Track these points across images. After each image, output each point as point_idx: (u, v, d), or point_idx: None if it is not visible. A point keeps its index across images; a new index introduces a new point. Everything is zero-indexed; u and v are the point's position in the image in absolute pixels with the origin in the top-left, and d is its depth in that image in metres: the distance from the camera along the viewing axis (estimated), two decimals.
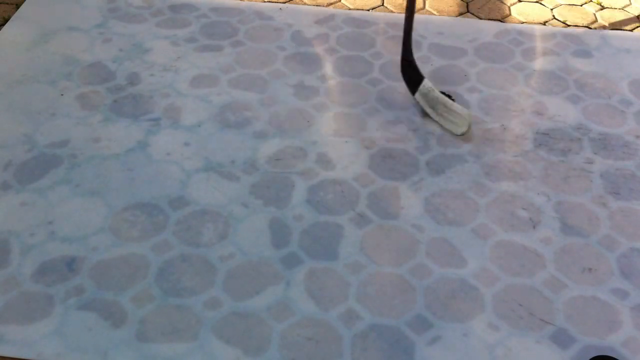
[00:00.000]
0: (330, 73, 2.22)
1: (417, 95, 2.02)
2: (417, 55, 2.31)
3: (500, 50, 2.34)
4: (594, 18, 2.55)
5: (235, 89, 2.14)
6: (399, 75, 2.22)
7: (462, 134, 1.94)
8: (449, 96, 2.01)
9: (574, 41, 2.40)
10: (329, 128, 2.00)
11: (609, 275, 1.62)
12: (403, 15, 2.51)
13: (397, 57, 2.29)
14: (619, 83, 2.21)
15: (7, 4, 2.54)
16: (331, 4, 2.58)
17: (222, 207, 1.75)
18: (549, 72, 2.25)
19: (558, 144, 1.98)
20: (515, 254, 1.66)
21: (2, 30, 2.38)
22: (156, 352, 1.43)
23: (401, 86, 2.17)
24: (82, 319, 1.49)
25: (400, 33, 2.41)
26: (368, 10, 2.55)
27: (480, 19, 2.52)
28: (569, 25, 2.51)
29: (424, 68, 2.25)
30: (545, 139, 1.99)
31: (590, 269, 1.63)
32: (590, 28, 2.49)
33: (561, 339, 1.48)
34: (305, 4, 2.57)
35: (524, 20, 2.52)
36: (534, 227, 1.73)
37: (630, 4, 2.64)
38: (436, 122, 1.99)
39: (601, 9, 2.61)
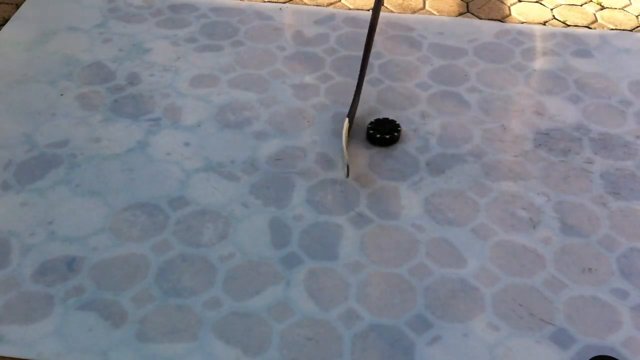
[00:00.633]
0: (330, 73, 2.22)
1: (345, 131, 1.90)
2: (417, 55, 2.31)
3: (500, 50, 2.34)
4: (594, 18, 2.55)
5: (235, 89, 2.14)
6: (399, 75, 2.22)
7: (346, 176, 1.82)
8: (396, 126, 1.94)
9: (574, 41, 2.40)
10: (329, 128, 2.00)
11: (609, 275, 1.62)
12: (403, 15, 2.51)
13: (397, 57, 2.30)
14: (619, 83, 2.21)
15: (7, 4, 2.54)
16: (331, 4, 2.58)
17: (222, 207, 1.75)
18: (549, 72, 2.25)
19: (558, 144, 1.98)
20: (515, 254, 1.66)
21: (2, 30, 2.38)
22: (156, 352, 1.43)
23: (401, 86, 2.17)
24: (82, 319, 1.49)
25: (401, 33, 2.41)
26: (368, 10, 2.55)
27: (480, 19, 2.52)
28: (569, 25, 2.51)
29: (424, 68, 2.25)
30: (545, 139, 1.99)
31: (590, 269, 1.63)
32: (590, 28, 2.49)
33: (561, 339, 1.48)
34: (305, 4, 2.57)
35: (524, 20, 2.52)
36: (534, 227, 1.73)
37: (630, 4, 2.64)
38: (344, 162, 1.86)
39: (601, 9, 2.61)
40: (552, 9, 2.60)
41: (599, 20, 2.54)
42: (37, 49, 2.28)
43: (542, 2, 2.64)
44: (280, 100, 2.10)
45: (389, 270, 1.61)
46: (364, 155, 1.91)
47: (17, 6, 2.51)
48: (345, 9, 2.55)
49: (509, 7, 2.60)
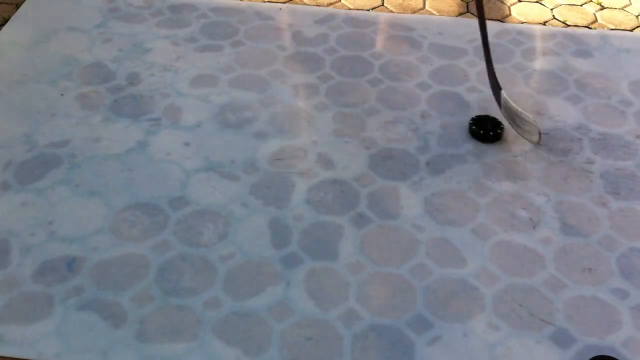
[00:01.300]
0: (330, 73, 2.22)
1: (501, 109, 1.97)
2: (417, 55, 2.31)
3: (500, 50, 2.34)
4: (594, 18, 2.55)
5: (235, 89, 2.14)
6: (399, 75, 2.22)
7: (538, 142, 1.92)
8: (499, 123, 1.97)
9: (574, 41, 2.40)
10: (329, 128, 2.00)
11: (609, 275, 1.62)
12: (403, 15, 2.51)
13: (397, 57, 2.30)
14: (619, 83, 2.21)
15: (7, 4, 2.54)
16: (331, 4, 2.58)
17: (222, 207, 1.75)
18: (549, 72, 2.25)
19: (558, 144, 1.98)
20: (515, 254, 1.66)
21: (2, 30, 2.38)
22: (156, 352, 1.43)
23: (401, 86, 2.17)
24: (82, 319, 1.49)
25: (401, 33, 2.41)
26: (368, 10, 2.55)
27: None
28: (569, 25, 2.51)
29: (423, 68, 2.25)
30: (545, 139, 1.99)
31: (590, 269, 1.63)
32: (590, 28, 2.49)
33: (561, 339, 1.48)
34: (305, 4, 2.57)
35: (524, 20, 2.52)
36: (534, 227, 1.73)
37: (630, 4, 2.64)
38: (518, 133, 1.94)
39: (601, 9, 2.61)
40: (552, 9, 2.59)
41: (599, 20, 2.54)
42: (37, 49, 2.28)
43: (542, 2, 2.64)
44: (280, 100, 2.10)
45: (389, 270, 1.61)
46: (364, 155, 1.91)
47: (17, 6, 2.51)
48: (345, 9, 2.55)
49: (509, 7, 2.60)
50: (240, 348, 1.44)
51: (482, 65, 2.27)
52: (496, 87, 1.97)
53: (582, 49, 2.36)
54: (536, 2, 2.64)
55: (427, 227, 1.72)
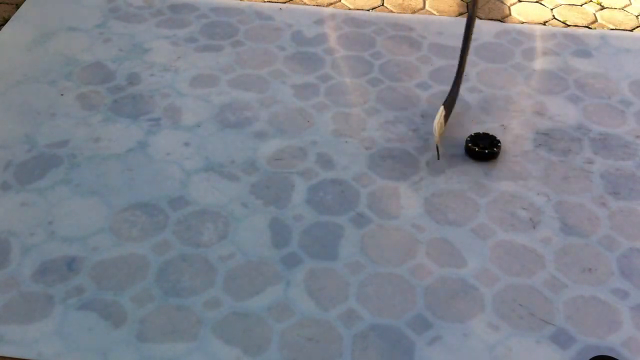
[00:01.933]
0: (330, 73, 2.22)
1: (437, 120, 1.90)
2: (417, 55, 2.31)
3: (500, 50, 2.34)
4: (594, 18, 2.55)
5: (235, 89, 2.14)
6: (399, 75, 2.22)
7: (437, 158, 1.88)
8: (495, 142, 1.92)
9: (574, 41, 2.40)
10: (329, 128, 2.00)
11: (609, 275, 1.62)
12: (403, 15, 2.51)
13: (397, 57, 2.30)
14: (619, 83, 2.21)
15: (7, 4, 2.54)
16: (331, 4, 2.58)
17: (222, 207, 1.75)
18: (549, 72, 2.25)
19: (558, 144, 1.98)
20: (515, 254, 1.66)
21: (2, 30, 2.38)
22: (156, 352, 1.43)
23: (401, 86, 2.17)
24: (82, 319, 1.49)
25: (401, 33, 2.41)
26: (368, 10, 2.55)
27: (481, 19, 2.52)
28: (569, 25, 2.51)
29: (424, 68, 2.25)
30: (545, 139, 1.99)
31: (590, 269, 1.63)
32: (590, 28, 2.49)
33: (561, 339, 1.48)
34: (305, 4, 2.57)
35: (524, 20, 2.52)
36: (534, 227, 1.73)
37: (630, 4, 2.64)
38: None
39: (601, 9, 2.61)
40: (552, 9, 2.59)
41: (599, 20, 2.54)
42: (37, 49, 2.28)
43: (542, 2, 2.63)
44: (280, 100, 2.10)
45: (389, 270, 1.61)
46: (364, 155, 1.91)
47: (17, 6, 2.51)
48: (345, 9, 2.55)
49: (509, 7, 2.60)
50: (240, 348, 1.44)
51: (483, 65, 2.27)
52: (454, 92, 1.95)
53: (582, 49, 2.36)
54: (536, 2, 2.64)
55: (427, 227, 1.72)
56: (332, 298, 1.54)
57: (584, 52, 2.34)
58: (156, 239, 1.66)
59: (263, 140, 1.96)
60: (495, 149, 1.90)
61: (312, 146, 1.94)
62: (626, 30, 2.49)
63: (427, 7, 2.59)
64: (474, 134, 1.95)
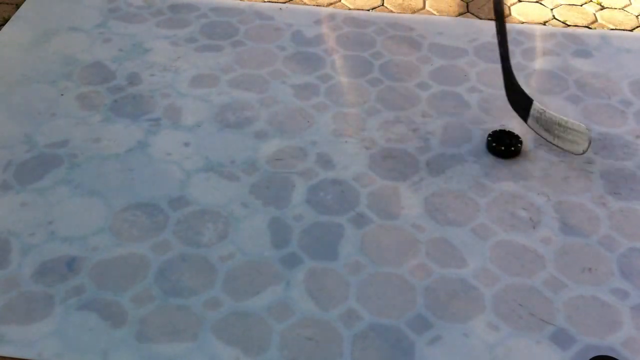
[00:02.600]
0: (330, 73, 2.22)
1: (529, 120, 1.91)
2: (417, 55, 2.31)
3: None
4: (594, 18, 2.55)
5: (235, 89, 2.15)
6: (399, 75, 2.22)
7: (584, 152, 1.84)
8: (518, 138, 1.93)
9: (574, 41, 2.40)
10: (329, 128, 2.00)
11: (609, 275, 1.62)
12: (403, 15, 2.51)
13: (397, 57, 2.29)
14: (619, 83, 2.21)
15: (7, 4, 2.54)
16: (331, 4, 2.58)
17: (222, 207, 1.75)
18: (549, 72, 2.25)
19: None
20: (515, 254, 1.66)
21: (2, 30, 2.38)
22: (156, 352, 1.43)
23: (401, 86, 2.17)
24: (82, 319, 1.49)
25: (401, 33, 2.41)
26: (368, 10, 2.55)
27: (480, 19, 2.52)
28: (569, 25, 2.51)
29: (423, 68, 2.25)
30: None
31: (590, 269, 1.63)
32: (590, 28, 2.49)
33: (561, 339, 1.48)
34: (305, 4, 2.57)
35: (524, 20, 2.52)
36: (534, 227, 1.73)
37: (630, 4, 2.64)
38: (554, 145, 1.88)
39: (601, 9, 2.61)
40: (552, 9, 2.60)
41: (599, 20, 2.54)
42: (37, 49, 2.28)
43: (542, 2, 2.64)
44: (280, 100, 2.10)
45: (389, 270, 1.61)
46: (364, 155, 1.91)
47: (17, 6, 2.51)
48: (345, 9, 2.55)
49: (509, 7, 2.60)
50: (240, 348, 1.44)
51: (483, 65, 2.27)
52: (522, 98, 1.92)
53: (582, 49, 2.36)
54: (536, 2, 2.64)
55: (427, 227, 1.72)
56: (332, 298, 1.54)
57: (584, 52, 2.34)
58: (156, 239, 1.66)
59: (263, 140, 1.96)
60: (519, 145, 1.92)
61: (312, 146, 1.94)
62: (626, 30, 2.49)
63: (427, 7, 2.59)
64: (494, 131, 1.96)
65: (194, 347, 1.44)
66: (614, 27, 2.50)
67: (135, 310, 1.50)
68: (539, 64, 2.29)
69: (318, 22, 2.46)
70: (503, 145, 1.91)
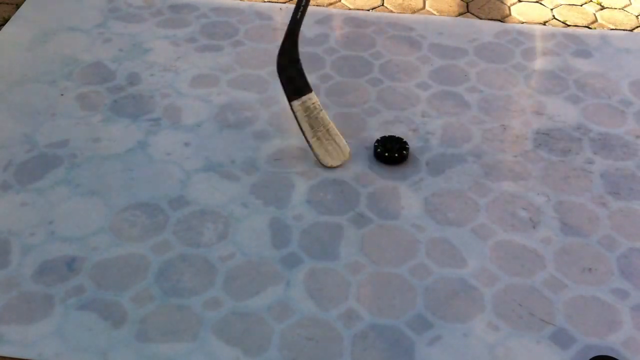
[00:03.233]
0: (330, 73, 2.22)
1: (296, 103, 1.82)
2: (417, 55, 2.31)
3: (500, 50, 2.34)
4: (594, 18, 2.55)
5: (235, 89, 2.15)
6: (399, 75, 2.22)
7: (330, 166, 1.83)
8: (404, 144, 1.88)
9: (574, 41, 2.40)
10: None
11: (609, 275, 1.62)
12: (403, 15, 2.51)
13: (397, 57, 2.29)
14: (619, 83, 2.21)
15: (7, 4, 2.54)
16: (331, 4, 2.58)
17: (222, 207, 1.75)
18: (549, 72, 2.25)
19: (558, 144, 1.98)
20: (515, 254, 1.66)
21: (2, 30, 2.38)
22: (156, 352, 1.43)
23: (401, 86, 2.17)
24: (82, 319, 1.49)
25: (401, 33, 2.41)
26: (368, 10, 2.55)
27: (480, 19, 2.52)
28: (569, 25, 2.51)
29: (424, 68, 2.25)
30: (545, 139, 1.99)
31: (590, 269, 1.63)
32: (590, 28, 2.49)
33: (561, 339, 1.48)
34: None
35: (524, 20, 2.52)
36: (534, 227, 1.73)
37: (630, 4, 2.64)
38: (308, 142, 1.83)
39: (601, 9, 2.61)
40: (552, 9, 2.60)
41: (599, 20, 2.54)
42: (37, 49, 2.28)
43: (542, 2, 2.64)
44: (280, 100, 2.10)
45: (389, 270, 1.61)
46: (364, 155, 1.91)
47: (17, 6, 2.51)
48: (345, 9, 2.55)
49: (509, 7, 2.60)
50: (240, 348, 1.44)
51: (483, 65, 2.27)
52: (299, 77, 1.81)
53: (582, 49, 2.36)
54: (536, 2, 2.64)
55: (427, 227, 1.72)
56: (332, 298, 1.54)
57: (584, 52, 2.34)
58: (156, 239, 1.66)
59: (263, 140, 1.96)
60: (404, 152, 1.87)
61: None
62: (626, 30, 2.49)
63: (427, 7, 2.59)
64: (382, 137, 1.91)
65: (194, 347, 1.44)
66: (614, 27, 2.50)
67: (135, 310, 1.50)
68: (539, 64, 2.29)
69: (318, 22, 2.46)
70: (387, 152, 1.86)
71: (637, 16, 2.57)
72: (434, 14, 2.55)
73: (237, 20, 2.46)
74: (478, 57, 2.31)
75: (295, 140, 1.95)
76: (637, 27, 2.51)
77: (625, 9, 2.61)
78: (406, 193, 1.81)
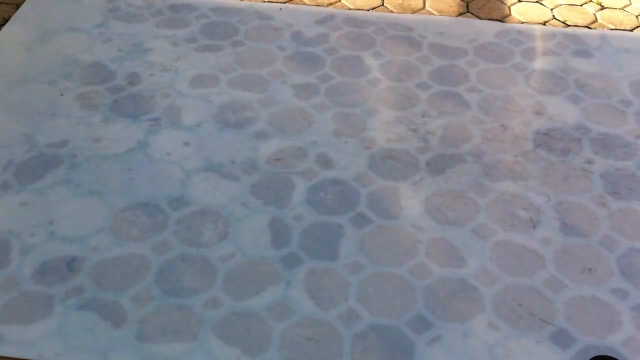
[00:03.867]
0: (330, 73, 2.22)
1: None
2: (417, 55, 2.31)
3: (500, 50, 2.34)
4: (594, 18, 2.55)
5: (235, 89, 2.15)
6: (399, 75, 2.22)
7: None
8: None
9: (574, 41, 2.40)
10: (328, 128, 2.00)
11: (609, 275, 1.62)
12: (403, 15, 2.51)
13: (397, 57, 2.30)
14: (619, 83, 2.21)
15: (7, 4, 2.54)
16: (331, 4, 2.58)
17: (222, 207, 1.75)
18: (549, 72, 2.25)
19: (558, 144, 1.98)
20: (515, 254, 1.66)
21: (2, 30, 2.38)
22: (156, 352, 1.43)
23: (401, 86, 2.17)
24: (82, 319, 1.49)
25: (401, 33, 2.41)
26: (368, 10, 2.55)
27: (480, 19, 2.52)
28: (569, 25, 2.51)
29: (424, 68, 2.25)
30: (545, 139, 1.99)
31: (590, 269, 1.63)
32: (590, 28, 2.49)
33: (561, 339, 1.48)
34: (305, 4, 2.57)
35: (524, 20, 2.52)
36: (534, 227, 1.73)
37: (630, 4, 2.64)
38: None
39: (601, 9, 2.61)
40: (552, 9, 2.60)
41: (599, 20, 2.54)
42: (37, 49, 2.28)
43: (542, 2, 2.64)
44: (280, 100, 2.10)
45: (389, 270, 1.61)
46: (364, 155, 1.91)
47: (17, 6, 2.51)
48: (345, 9, 2.55)
49: (509, 7, 2.60)
50: (240, 348, 1.44)
51: (483, 65, 2.27)
52: None
53: (582, 49, 2.36)
54: (536, 2, 2.64)
55: (427, 227, 1.72)
56: (332, 298, 1.54)
57: (584, 52, 2.34)
58: (156, 239, 1.66)
59: (263, 140, 1.96)
60: None
61: (312, 146, 1.94)
62: (626, 30, 2.49)
63: (427, 7, 2.59)
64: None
65: (194, 347, 1.44)
66: (614, 27, 2.50)
67: (135, 310, 1.50)
68: (539, 64, 2.29)
69: (318, 22, 2.46)
70: None
71: (637, 16, 2.57)
72: (434, 14, 2.55)
73: (237, 20, 2.46)
74: (478, 57, 2.31)
75: (295, 140, 1.96)
76: (637, 27, 2.51)
77: (625, 9, 2.61)
78: (406, 193, 1.81)
